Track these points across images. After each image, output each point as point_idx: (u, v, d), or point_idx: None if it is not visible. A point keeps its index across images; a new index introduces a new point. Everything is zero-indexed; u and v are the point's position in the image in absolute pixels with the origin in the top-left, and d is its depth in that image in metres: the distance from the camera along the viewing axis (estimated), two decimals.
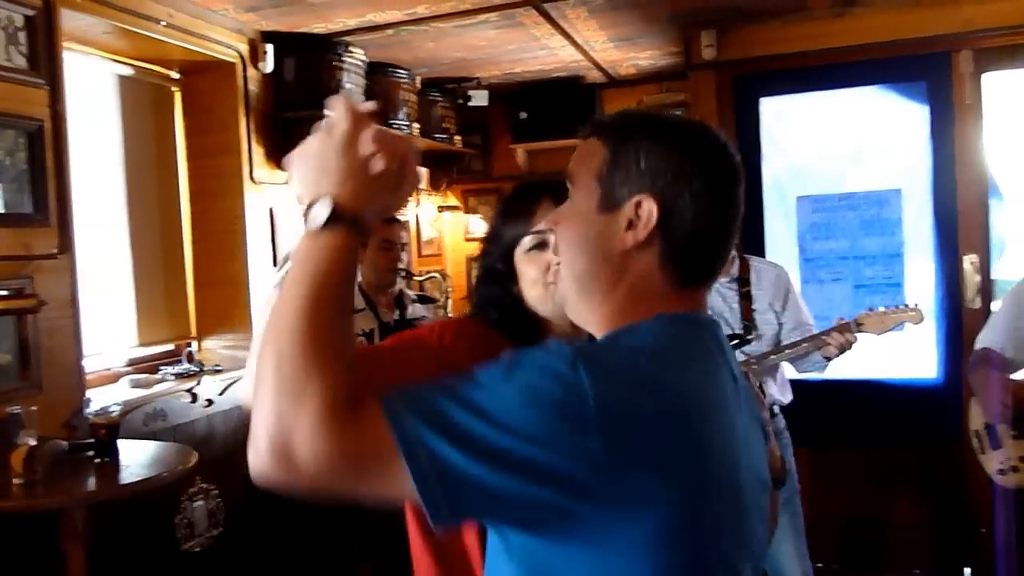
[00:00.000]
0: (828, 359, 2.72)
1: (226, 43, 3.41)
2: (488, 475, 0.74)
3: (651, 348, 0.88)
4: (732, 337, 2.78)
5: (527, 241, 1.34)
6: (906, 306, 2.72)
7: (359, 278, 3.02)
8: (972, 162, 3.59)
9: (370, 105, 0.94)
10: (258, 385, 0.78)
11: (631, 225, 0.93)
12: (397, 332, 2.85)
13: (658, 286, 0.95)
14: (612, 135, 0.97)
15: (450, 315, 3.11)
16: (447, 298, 3.20)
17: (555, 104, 4.86)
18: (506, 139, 5.06)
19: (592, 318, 0.98)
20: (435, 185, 5.21)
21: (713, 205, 0.94)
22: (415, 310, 3.10)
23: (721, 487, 0.85)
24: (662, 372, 0.84)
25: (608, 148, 0.96)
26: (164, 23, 3.06)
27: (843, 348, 2.66)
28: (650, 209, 0.92)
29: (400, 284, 3.12)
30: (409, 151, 0.93)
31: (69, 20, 2.73)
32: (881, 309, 2.72)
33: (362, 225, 0.87)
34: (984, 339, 2.74)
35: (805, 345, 2.72)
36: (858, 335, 2.68)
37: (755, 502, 0.94)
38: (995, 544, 2.71)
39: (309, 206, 0.88)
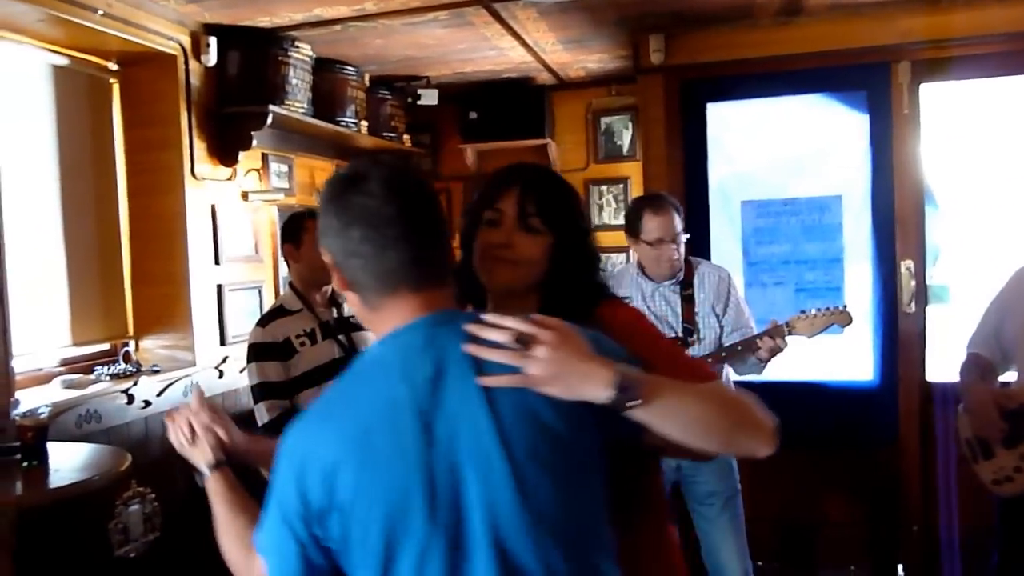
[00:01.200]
0: (762, 362, 2.77)
1: (167, 35, 3.32)
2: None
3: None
4: (672, 340, 2.82)
5: (485, 216, 1.45)
6: (836, 308, 2.78)
7: (291, 277, 2.95)
8: (909, 170, 3.69)
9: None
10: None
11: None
12: (339, 330, 2.85)
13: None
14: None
15: None
16: None
17: (505, 105, 4.85)
18: (455, 139, 5.03)
19: None
20: None
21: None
22: (349, 308, 3.03)
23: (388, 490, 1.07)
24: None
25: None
26: (101, 12, 2.96)
27: (773, 352, 2.71)
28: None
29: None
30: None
31: (0, 6, 2.63)
32: (812, 312, 2.78)
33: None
34: (972, 342, 2.78)
35: (739, 348, 2.76)
36: (789, 338, 2.73)
37: (487, 469, 1.05)
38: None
39: None
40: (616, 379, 1.06)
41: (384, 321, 1.17)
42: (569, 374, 1.05)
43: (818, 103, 3.87)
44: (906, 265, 3.70)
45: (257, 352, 2.77)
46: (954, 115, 3.79)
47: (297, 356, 2.76)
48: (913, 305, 3.70)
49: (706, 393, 1.18)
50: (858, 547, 3.83)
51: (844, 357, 3.70)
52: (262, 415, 2.71)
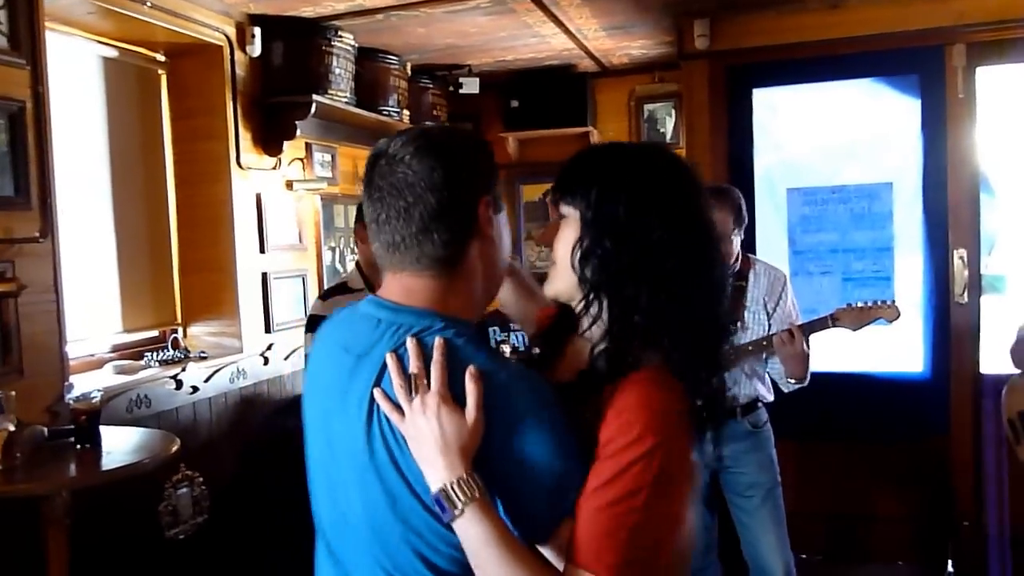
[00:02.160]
0: (796, 366, 2.73)
1: (213, 26, 3.37)
2: None
3: None
4: None
5: None
6: (883, 302, 2.72)
7: (359, 257, 3.03)
8: (964, 157, 3.59)
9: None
10: None
11: None
12: None
13: None
14: None
15: None
16: None
17: (547, 93, 4.83)
18: (497, 127, 5.02)
19: None
20: None
21: None
22: None
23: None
24: None
25: None
26: (149, 4, 3.01)
27: (791, 355, 2.66)
28: None
29: None
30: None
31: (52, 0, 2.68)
32: (859, 304, 2.72)
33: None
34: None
35: (750, 348, 2.73)
36: (835, 330, 2.69)
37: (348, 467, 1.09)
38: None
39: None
40: (440, 488, 0.99)
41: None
42: (419, 447, 1.02)
43: (868, 88, 3.78)
44: (959, 254, 3.60)
45: (311, 324, 2.90)
46: (1011, 99, 3.66)
47: None
48: (966, 295, 3.60)
49: (514, 557, 0.99)
50: (906, 543, 3.75)
51: (894, 349, 3.62)
52: None
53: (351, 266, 4.20)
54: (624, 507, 0.98)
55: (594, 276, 1.11)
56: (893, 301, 2.72)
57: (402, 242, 1.09)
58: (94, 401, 2.23)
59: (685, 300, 1.10)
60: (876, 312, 2.68)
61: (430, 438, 1.00)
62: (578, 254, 1.12)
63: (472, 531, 0.98)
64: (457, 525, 0.99)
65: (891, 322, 2.71)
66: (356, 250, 3.10)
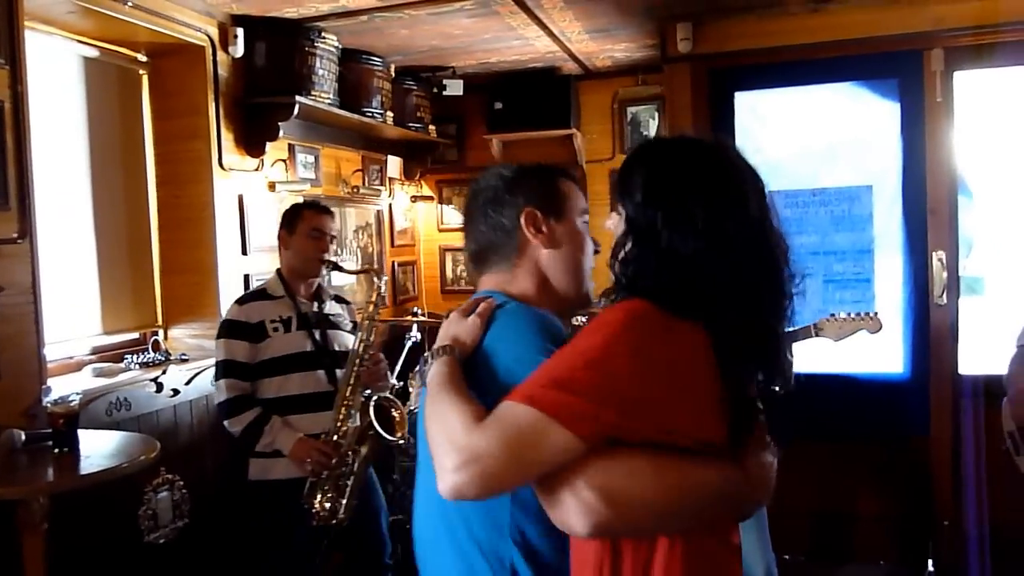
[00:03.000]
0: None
1: (195, 26, 3.34)
2: None
3: None
4: None
5: None
6: (866, 314, 2.76)
7: (280, 264, 2.94)
8: (942, 160, 3.62)
9: None
10: None
11: None
12: (316, 324, 2.83)
13: None
14: None
15: (379, 315, 2.92)
16: (378, 297, 2.94)
17: (531, 95, 4.83)
18: (481, 129, 5.02)
19: None
20: (409, 175, 5.17)
21: None
22: (331, 306, 2.99)
23: None
24: None
25: None
26: (130, 4, 2.98)
27: None
28: None
29: (322, 278, 3.01)
30: None
31: None
32: (842, 315, 2.75)
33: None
34: (1023, 337, 2.73)
35: None
36: (817, 339, 2.71)
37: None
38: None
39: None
40: (435, 349, 1.28)
41: None
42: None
43: (849, 92, 3.81)
44: (938, 256, 3.63)
45: (228, 329, 2.79)
46: (988, 103, 3.71)
47: (268, 341, 2.78)
48: (945, 297, 3.63)
49: (457, 398, 1.14)
50: (887, 542, 3.78)
51: (874, 350, 3.64)
52: (221, 393, 2.74)
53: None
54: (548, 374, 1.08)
55: (629, 283, 1.17)
56: (876, 313, 2.76)
57: (475, 254, 1.44)
58: (72, 404, 2.20)
59: (728, 323, 1.12)
60: (858, 324, 2.71)
61: (440, 331, 1.32)
62: (618, 256, 1.20)
63: (432, 373, 1.22)
64: (428, 371, 1.24)
65: (873, 333, 2.74)
66: (280, 255, 2.97)
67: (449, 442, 1.05)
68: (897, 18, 3.57)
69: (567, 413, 1.01)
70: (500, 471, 1.01)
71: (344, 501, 2.69)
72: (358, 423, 2.76)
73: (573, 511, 1.02)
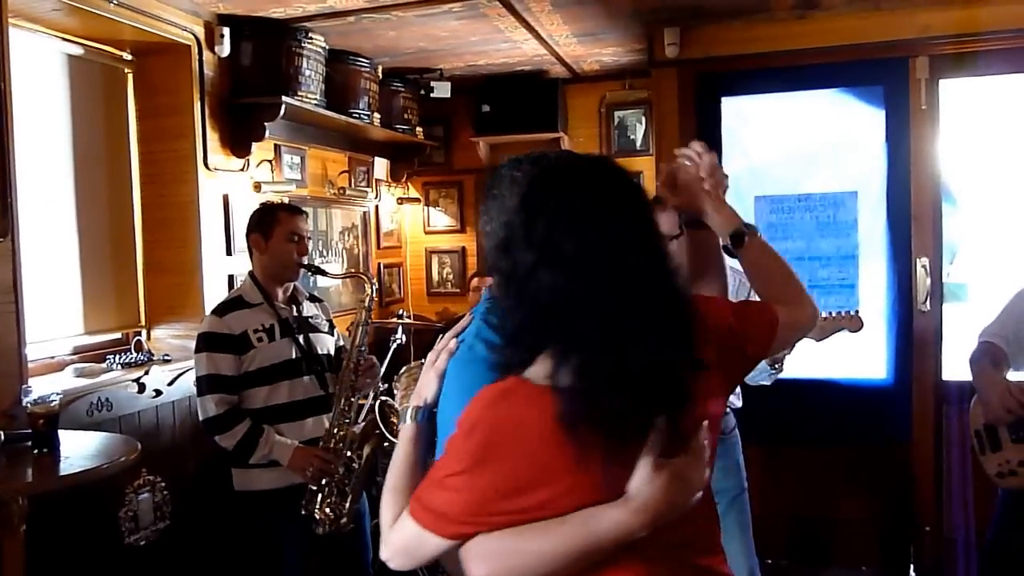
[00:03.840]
0: (773, 367, 2.74)
1: (181, 25, 3.32)
2: None
3: None
4: None
5: None
6: (847, 312, 2.76)
7: (254, 269, 2.84)
8: (926, 166, 3.65)
9: None
10: None
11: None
12: (298, 330, 2.79)
13: None
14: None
15: (371, 319, 2.90)
16: (370, 301, 2.91)
17: (518, 98, 4.83)
18: (468, 132, 5.02)
19: None
20: (395, 177, 5.15)
21: None
22: (308, 308, 2.93)
23: None
24: None
25: None
26: (115, 2, 2.96)
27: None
28: None
29: (297, 280, 2.92)
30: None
31: None
32: (823, 315, 2.75)
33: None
34: (988, 332, 2.74)
35: None
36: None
37: None
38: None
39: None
40: (403, 409, 1.43)
41: None
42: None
43: (834, 98, 3.83)
44: (922, 262, 3.66)
45: (210, 342, 2.67)
46: (972, 111, 3.74)
47: (253, 351, 2.68)
48: (929, 303, 3.66)
49: (408, 469, 1.32)
50: (869, 546, 3.80)
51: (858, 355, 3.68)
52: (207, 409, 2.63)
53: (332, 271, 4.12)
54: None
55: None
56: (856, 311, 2.76)
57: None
58: (52, 405, 2.18)
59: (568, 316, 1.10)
60: (839, 322, 2.71)
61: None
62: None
63: (400, 439, 1.34)
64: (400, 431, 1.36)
65: (855, 332, 2.74)
66: (252, 260, 2.87)
67: (385, 525, 1.25)
68: (883, 25, 3.60)
69: (436, 527, 1.15)
70: (404, 564, 1.23)
71: (347, 505, 2.68)
72: (356, 427, 2.74)
73: None
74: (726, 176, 1.58)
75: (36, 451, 2.16)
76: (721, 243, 1.55)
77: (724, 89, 3.92)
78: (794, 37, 3.70)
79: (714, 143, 3.89)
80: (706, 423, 1.19)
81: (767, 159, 3.90)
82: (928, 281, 3.65)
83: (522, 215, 1.14)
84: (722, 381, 1.33)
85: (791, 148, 3.88)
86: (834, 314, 2.73)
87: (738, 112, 3.93)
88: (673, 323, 1.12)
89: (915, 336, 3.69)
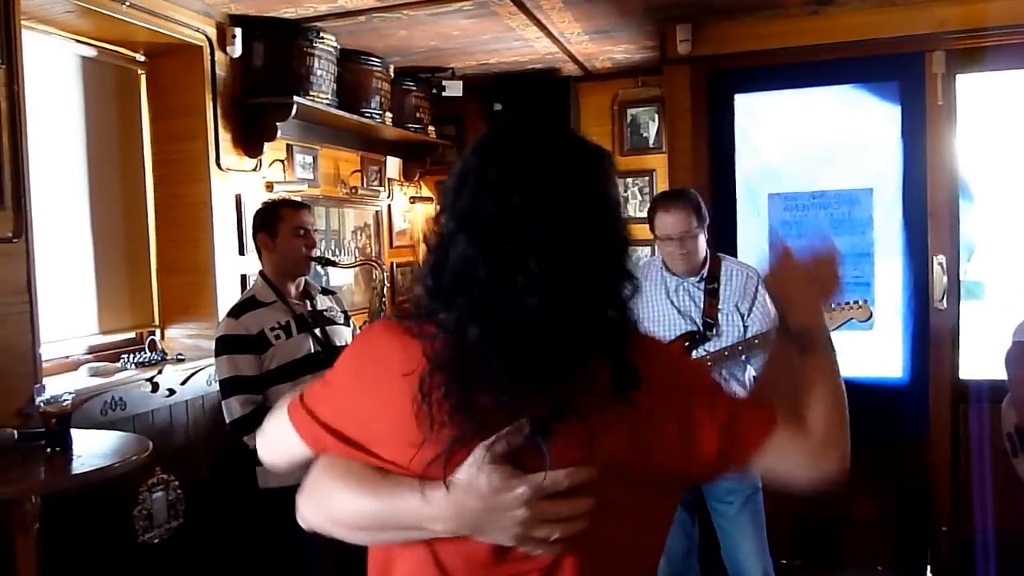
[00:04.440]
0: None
1: (193, 26, 3.34)
2: None
3: None
4: (692, 334, 2.78)
5: None
6: (855, 302, 2.72)
7: (264, 268, 2.85)
8: (943, 163, 3.61)
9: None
10: None
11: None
12: (314, 324, 2.80)
13: None
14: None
15: (382, 301, 2.89)
16: (381, 287, 2.90)
17: (530, 96, 4.81)
18: (480, 130, 4.98)
19: None
20: (408, 176, 5.16)
21: None
22: (322, 301, 2.93)
23: None
24: None
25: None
26: (128, 4, 2.98)
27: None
28: None
29: (309, 275, 2.93)
30: None
31: None
32: (831, 306, 2.72)
33: None
34: (1020, 331, 2.70)
35: (740, 349, 2.72)
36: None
37: None
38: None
39: None
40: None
41: None
42: None
43: (849, 94, 3.79)
44: (938, 260, 3.62)
45: (229, 344, 2.67)
46: (990, 106, 3.69)
47: (272, 349, 2.68)
48: (945, 301, 3.62)
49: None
50: (885, 547, 3.76)
51: (874, 354, 3.64)
52: (233, 411, 2.63)
53: (340, 274, 4.11)
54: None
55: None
56: (865, 301, 2.72)
57: None
58: (65, 404, 2.20)
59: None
60: (847, 313, 2.68)
61: None
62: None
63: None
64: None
65: (864, 322, 2.71)
66: (261, 259, 2.87)
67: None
68: (898, 20, 3.56)
69: (296, 419, 1.14)
70: (265, 455, 1.25)
71: None
72: None
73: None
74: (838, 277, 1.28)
75: (49, 450, 2.18)
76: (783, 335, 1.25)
77: (737, 86, 3.88)
78: (807, 33, 3.66)
79: (727, 140, 3.88)
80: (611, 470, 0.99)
81: (781, 156, 3.87)
82: (945, 279, 3.61)
83: (454, 179, 1.08)
84: (656, 447, 1.05)
85: (805, 145, 3.84)
86: (841, 305, 2.69)
87: (751, 109, 3.90)
88: (569, 317, 0.99)
89: (931, 335, 3.64)
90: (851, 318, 2.68)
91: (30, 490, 2.04)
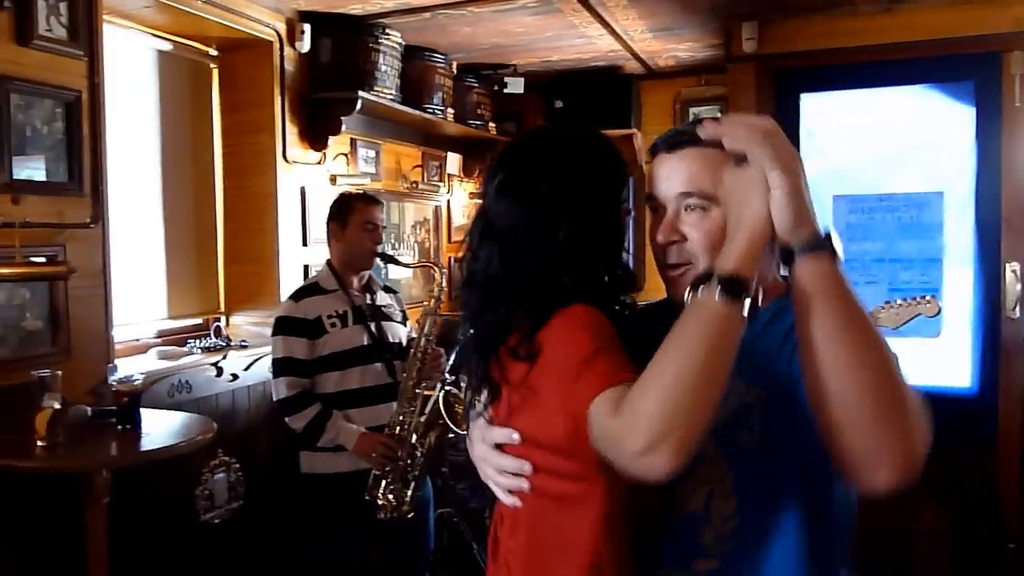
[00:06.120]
0: None
1: (264, 21, 3.43)
2: None
3: None
4: None
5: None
6: (923, 297, 2.65)
7: (331, 257, 2.92)
8: (1018, 166, 3.48)
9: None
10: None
11: None
12: (371, 317, 2.84)
13: (771, 267, 1.16)
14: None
15: (439, 310, 2.93)
16: (440, 291, 2.96)
17: (591, 94, 4.81)
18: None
19: None
20: (468, 172, 5.20)
21: None
22: (382, 297, 2.99)
23: None
24: None
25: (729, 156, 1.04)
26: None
27: None
28: None
29: (371, 270, 3.00)
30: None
31: None
32: (898, 301, 2.65)
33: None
34: None
35: None
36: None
37: None
38: None
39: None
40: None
41: None
42: None
43: (921, 95, 3.69)
44: (1011, 267, 3.50)
45: (285, 326, 2.77)
46: None
47: (326, 336, 2.76)
48: (1018, 310, 3.49)
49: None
50: (948, 562, 3.65)
51: (941, 362, 3.53)
52: (280, 390, 2.73)
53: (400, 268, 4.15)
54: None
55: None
56: (933, 295, 2.65)
57: None
58: (136, 384, 2.29)
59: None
60: (915, 308, 2.61)
61: None
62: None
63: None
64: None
65: (931, 317, 2.64)
66: (330, 248, 2.96)
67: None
68: (974, 18, 3.45)
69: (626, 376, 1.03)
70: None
71: (409, 493, 2.72)
72: (421, 416, 2.79)
73: None
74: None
75: (120, 427, 2.27)
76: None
77: (803, 85, 3.81)
78: (879, 31, 3.58)
79: (792, 140, 3.80)
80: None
81: (847, 158, 3.78)
82: (1018, 287, 3.48)
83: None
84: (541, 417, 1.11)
85: (873, 146, 3.75)
86: (909, 300, 2.62)
87: (818, 109, 3.82)
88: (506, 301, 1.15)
89: (1002, 343, 3.52)
90: (919, 313, 2.61)
91: (102, 464, 2.12)
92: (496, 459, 1.18)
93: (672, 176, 1.18)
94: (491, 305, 1.17)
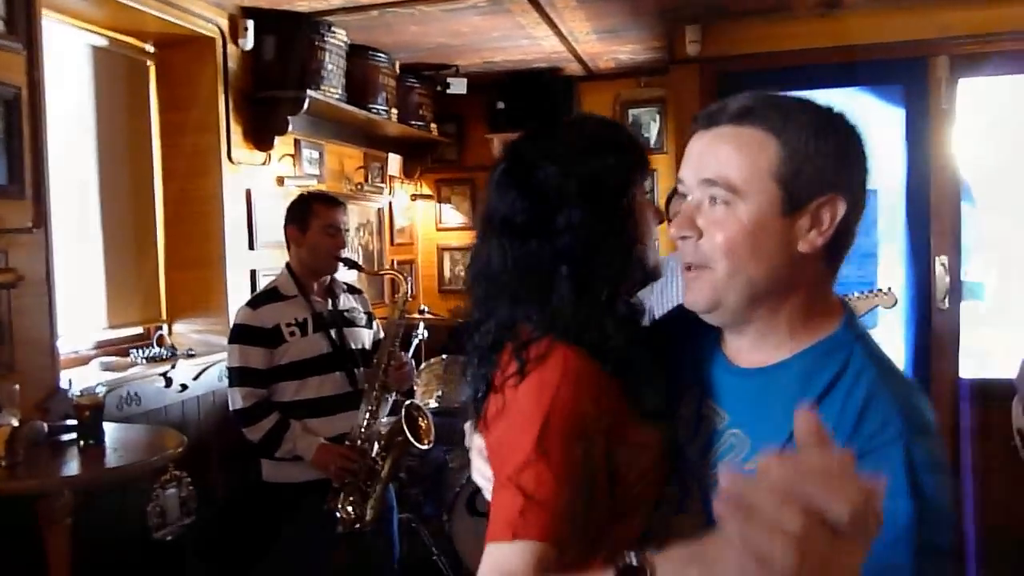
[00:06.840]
0: None
1: (205, 17, 3.30)
2: None
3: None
4: None
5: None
6: (879, 290, 2.75)
7: (291, 261, 2.79)
8: (945, 166, 3.68)
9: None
10: None
11: (814, 225, 0.94)
12: (332, 324, 2.75)
13: (825, 285, 1.00)
14: (777, 126, 0.94)
15: (404, 315, 2.85)
16: (404, 301, 2.89)
17: (532, 95, 4.81)
18: (481, 129, 5.01)
19: (764, 323, 1.00)
20: (408, 173, 5.14)
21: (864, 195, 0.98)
22: (345, 301, 2.87)
23: None
24: None
25: (779, 142, 0.94)
26: None
27: None
28: (837, 208, 0.94)
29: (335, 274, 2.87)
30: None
31: None
32: (855, 295, 2.75)
33: None
34: None
35: None
36: None
37: None
38: None
39: None
40: None
41: None
42: None
43: (854, 97, 3.84)
44: (940, 261, 3.69)
45: (242, 334, 2.64)
46: (992, 110, 3.78)
47: (285, 345, 2.64)
48: (947, 301, 3.68)
49: None
50: None
51: None
52: (236, 401, 2.62)
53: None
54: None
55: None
56: (890, 289, 2.76)
57: None
58: (98, 395, 2.16)
59: None
60: (873, 300, 2.72)
61: None
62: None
63: None
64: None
65: (888, 308, 2.74)
66: (289, 252, 2.82)
67: None
68: (903, 24, 3.62)
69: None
70: None
71: (369, 506, 2.65)
72: (382, 428, 2.72)
73: None
74: None
75: (82, 443, 2.13)
76: None
77: (745, 87, 3.86)
78: (815, 35, 3.72)
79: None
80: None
81: None
82: (947, 279, 3.68)
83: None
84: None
85: None
86: (867, 293, 2.73)
87: None
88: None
89: (933, 334, 3.71)
90: (876, 305, 2.71)
91: (65, 483, 2.00)
92: (478, 462, 1.11)
93: (701, 158, 0.99)
94: (490, 305, 1.11)
